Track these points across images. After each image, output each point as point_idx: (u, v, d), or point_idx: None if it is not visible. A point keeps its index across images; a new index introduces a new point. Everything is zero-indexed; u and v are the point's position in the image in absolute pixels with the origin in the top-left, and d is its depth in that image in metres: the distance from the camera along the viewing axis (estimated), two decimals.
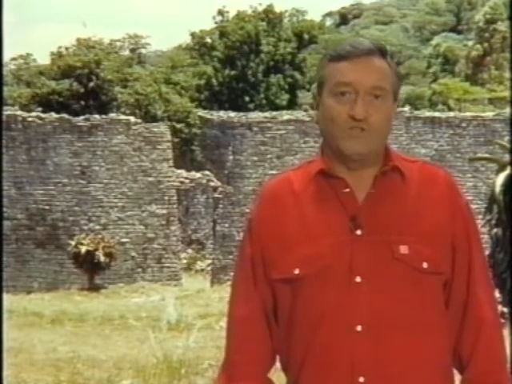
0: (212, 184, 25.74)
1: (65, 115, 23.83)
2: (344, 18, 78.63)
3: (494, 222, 10.35)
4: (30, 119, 23.13)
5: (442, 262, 2.19)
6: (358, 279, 2.13)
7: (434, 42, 57.04)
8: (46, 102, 33.97)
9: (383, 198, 2.19)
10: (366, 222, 2.16)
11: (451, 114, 26.27)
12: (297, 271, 2.16)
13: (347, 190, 2.18)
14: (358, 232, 2.15)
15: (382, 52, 2.22)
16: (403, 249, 2.15)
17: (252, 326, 2.25)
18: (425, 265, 2.15)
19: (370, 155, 2.19)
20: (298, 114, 25.12)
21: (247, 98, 40.41)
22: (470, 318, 2.22)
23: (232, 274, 2.38)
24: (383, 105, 2.18)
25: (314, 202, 2.21)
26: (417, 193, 2.21)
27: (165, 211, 23.12)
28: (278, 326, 2.23)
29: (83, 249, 20.23)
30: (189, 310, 14.11)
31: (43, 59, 41.54)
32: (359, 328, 2.11)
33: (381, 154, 2.23)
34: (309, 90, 44.51)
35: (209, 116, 25.96)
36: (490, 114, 24.64)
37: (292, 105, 39.95)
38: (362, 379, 2.11)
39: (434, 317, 2.18)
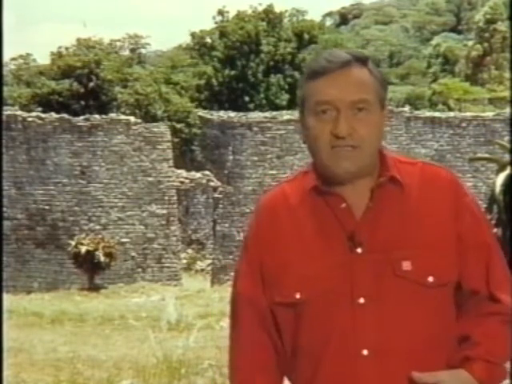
0: (212, 184, 25.73)
1: (65, 115, 23.82)
2: (344, 18, 78.67)
3: (493, 222, 10.35)
4: (30, 119, 23.13)
5: (448, 270, 2.12)
6: (362, 300, 2.07)
7: (433, 42, 57.05)
8: (46, 102, 33.96)
9: (382, 212, 2.11)
10: (365, 239, 2.09)
11: (451, 114, 26.29)
12: (298, 295, 2.11)
13: (344, 205, 2.11)
14: (358, 250, 2.09)
15: (360, 60, 2.13)
16: (406, 265, 2.08)
17: (256, 338, 2.19)
18: (430, 279, 2.09)
19: (363, 170, 2.12)
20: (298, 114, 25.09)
21: (247, 98, 40.39)
22: (486, 305, 2.15)
23: (232, 274, 2.37)
24: (369, 117, 2.10)
25: (311, 219, 2.14)
26: (417, 199, 2.14)
27: (165, 211, 23.11)
28: (283, 346, 2.18)
29: (83, 249, 20.22)
30: (189, 310, 14.11)
31: (43, 59, 41.52)
32: (365, 352, 2.06)
33: (376, 162, 2.15)
34: None
35: (209, 116, 25.97)
36: (489, 114, 24.65)
37: (292, 105, 39.87)
38: None
39: (441, 332, 2.11)
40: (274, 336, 2.19)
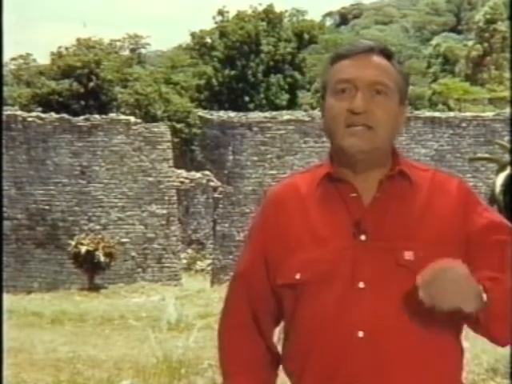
0: (212, 184, 25.73)
1: (65, 115, 23.82)
2: (344, 18, 78.77)
3: None
4: (30, 119, 23.13)
5: None
6: (362, 285, 2.09)
7: (434, 42, 57.06)
8: (46, 102, 34.00)
9: (389, 203, 2.14)
10: (370, 227, 2.12)
11: (451, 114, 26.27)
12: (298, 276, 2.13)
13: (354, 194, 2.14)
14: (362, 237, 2.11)
15: (384, 52, 2.19)
16: (408, 255, 2.09)
17: (242, 335, 2.28)
18: None
19: (376, 154, 2.14)
20: (298, 114, 25.10)
21: (247, 98, 40.40)
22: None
23: (232, 274, 2.39)
24: (386, 101, 2.14)
25: (319, 206, 2.17)
26: (426, 199, 2.15)
27: (165, 211, 23.11)
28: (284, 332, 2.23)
29: (83, 249, 20.22)
30: (189, 309, 14.10)
31: (43, 59, 41.59)
32: (361, 334, 2.08)
33: (388, 155, 2.18)
34: (309, 90, 44.48)
35: (209, 116, 25.95)
36: (489, 114, 24.63)
37: (292, 105, 39.94)
38: None
39: (440, 325, 2.10)
40: (263, 321, 2.26)
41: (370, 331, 2.07)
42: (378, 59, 2.17)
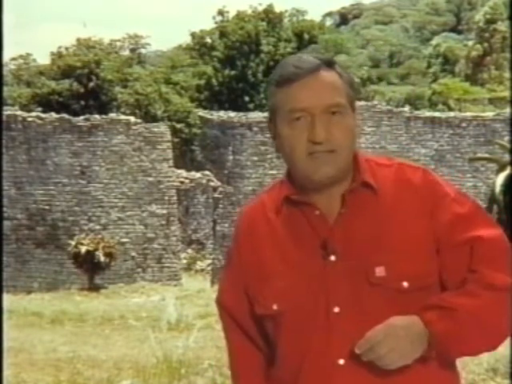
0: (212, 184, 25.73)
1: (65, 115, 23.82)
2: (344, 18, 78.76)
3: None
4: (30, 119, 23.12)
5: (425, 274, 2.04)
6: (337, 309, 2.02)
7: (434, 42, 57.06)
8: (46, 102, 34.00)
9: (355, 217, 2.06)
10: (339, 247, 2.04)
11: (451, 114, 26.26)
12: (275, 307, 2.08)
13: (317, 212, 2.08)
14: (332, 258, 2.04)
15: (328, 64, 2.09)
16: (379, 271, 2.01)
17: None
18: (405, 284, 2.01)
19: (340, 174, 2.08)
20: None
21: (247, 98, 40.41)
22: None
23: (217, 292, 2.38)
24: (343, 120, 2.06)
25: (286, 230, 2.11)
26: (391, 203, 2.07)
27: (165, 211, 23.11)
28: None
29: (83, 249, 20.21)
30: (189, 309, 14.09)
31: (43, 59, 41.69)
32: (341, 362, 2.01)
33: (350, 167, 2.10)
34: None
35: (209, 116, 25.95)
36: (490, 114, 24.63)
37: None
38: None
39: None
40: (261, 345, 2.22)
41: (349, 358, 2.00)
42: (326, 75, 2.07)
